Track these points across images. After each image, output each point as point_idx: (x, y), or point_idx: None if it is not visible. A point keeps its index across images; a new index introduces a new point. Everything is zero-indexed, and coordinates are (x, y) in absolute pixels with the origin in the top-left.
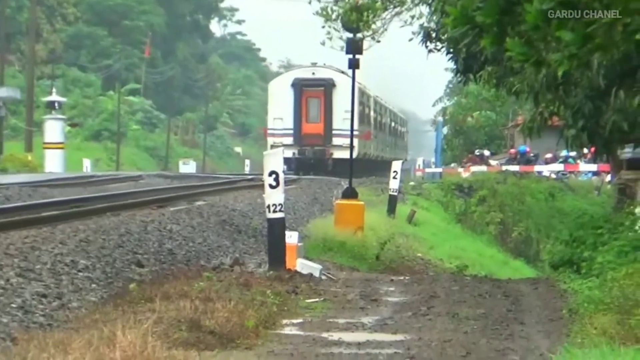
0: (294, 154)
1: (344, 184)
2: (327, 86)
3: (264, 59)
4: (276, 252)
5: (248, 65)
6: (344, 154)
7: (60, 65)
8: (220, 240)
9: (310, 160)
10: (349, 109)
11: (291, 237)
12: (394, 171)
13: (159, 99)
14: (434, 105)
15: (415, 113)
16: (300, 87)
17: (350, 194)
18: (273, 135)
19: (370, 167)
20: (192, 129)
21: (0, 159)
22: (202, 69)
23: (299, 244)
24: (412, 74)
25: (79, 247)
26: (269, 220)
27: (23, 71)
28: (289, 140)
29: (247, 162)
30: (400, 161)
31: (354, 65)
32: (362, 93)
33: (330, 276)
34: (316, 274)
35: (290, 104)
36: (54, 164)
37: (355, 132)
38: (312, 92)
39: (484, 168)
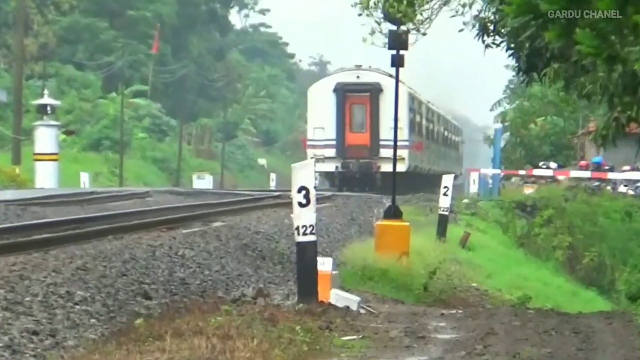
0: (336, 167)
1: (386, 201)
2: (374, 91)
3: (292, 55)
4: (307, 281)
5: (273, 63)
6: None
7: (53, 63)
8: (241, 268)
9: (355, 175)
10: (399, 116)
11: (324, 264)
12: (445, 187)
13: (170, 102)
14: (491, 109)
15: (469, 118)
16: (344, 93)
17: (393, 213)
18: (313, 147)
19: (421, 182)
20: (209, 138)
21: None
22: (219, 67)
23: (334, 272)
24: (465, 73)
25: (76, 276)
26: (299, 244)
27: (10, 70)
28: (331, 152)
29: (273, 176)
30: (452, 175)
31: (397, 62)
32: (413, 99)
33: (370, 309)
34: (353, 307)
35: (332, 111)
36: (46, 178)
37: (405, 143)
38: (356, 97)
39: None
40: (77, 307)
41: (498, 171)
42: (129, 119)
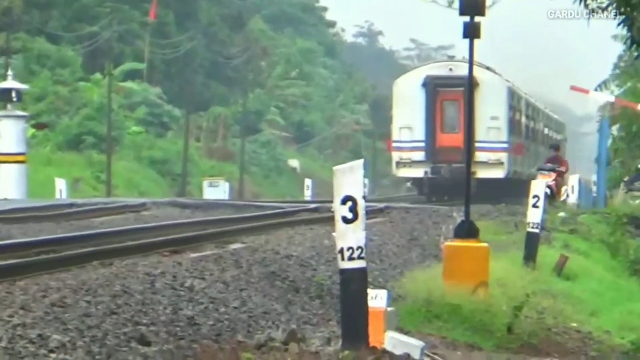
0: (425, 173)
1: (456, 215)
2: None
3: (332, 24)
4: (353, 321)
5: (308, 33)
6: (491, 173)
7: (18, 35)
8: (267, 304)
9: (447, 181)
10: (496, 114)
11: (377, 299)
12: (535, 196)
13: (172, 85)
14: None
15: (566, 106)
16: (434, 88)
17: (467, 231)
18: (400, 149)
19: (521, 189)
20: (224, 132)
21: None
22: (237, 39)
23: (389, 309)
24: (560, 48)
25: (51, 315)
26: (343, 272)
27: None
28: (420, 155)
29: (308, 182)
30: (544, 181)
31: (471, 31)
32: (512, 94)
33: (438, 358)
34: (415, 354)
35: (421, 109)
36: (10, 186)
37: (504, 145)
38: (449, 93)
39: None
40: (53, 355)
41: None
42: (118, 107)
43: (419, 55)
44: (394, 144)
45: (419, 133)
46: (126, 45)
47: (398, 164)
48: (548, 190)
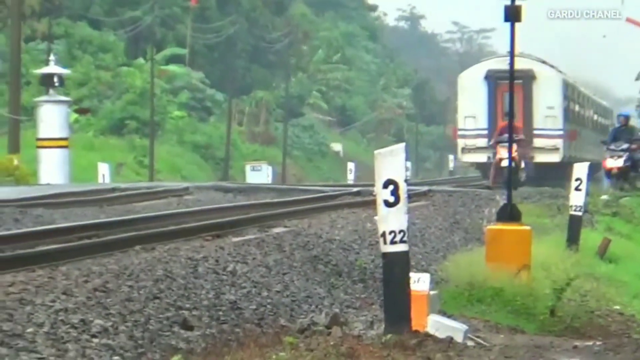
0: (488, 158)
1: (499, 198)
2: (526, 78)
3: (374, 8)
4: (396, 304)
5: (350, 18)
6: (548, 157)
7: (61, 20)
8: (310, 288)
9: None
10: (552, 104)
11: (420, 282)
12: (577, 179)
13: (214, 70)
14: (638, 78)
15: (608, 89)
16: (495, 80)
17: (509, 214)
18: (464, 137)
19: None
20: (266, 117)
21: None
22: (279, 23)
23: (432, 293)
24: (599, 28)
25: (93, 300)
26: (386, 255)
27: (4, 29)
28: (483, 142)
29: (351, 166)
30: (587, 164)
31: (512, 14)
32: (567, 85)
33: (480, 341)
34: (459, 337)
35: (483, 99)
36: (52, 170)
37: (559, 132)
38: (508, 85)
39: None
40: (95, 340)
41: None
42: (161, 92)
43: (460, 39)
44: (459, 132)
45: (482, 121)
46: (168, 30)
47: (463, 149)
48: (512, 164)
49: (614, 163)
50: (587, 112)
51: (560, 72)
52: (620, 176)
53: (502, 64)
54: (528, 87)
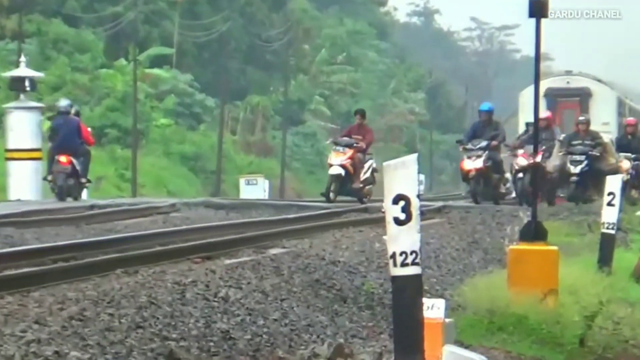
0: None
1: (522, 215)
2: (583, 96)
3: (383, 2)
4: (407, 333)
5: (356, 13)
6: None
7: (33, 16)
8: (311, 315)
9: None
10: (607, 120)
11: (434, 308)
12: (610, 193)
13: (205, 72)
14: None
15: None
16: (554, 98)
17: (534, 233)
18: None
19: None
20: (263, 124)
21: None
22: (277, 20)
23: (448, 320)
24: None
25: (69, 330)
26: (396, 279)
27: None
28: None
29: None
30: (620, 176)
31: (538, 10)
32: (620, 102)
33: None
34: None
35: (543, 116)
36: (23, 185)
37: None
38: (567, 102)
39: None
40: None
41: None
42: (145, 97)
43: (480, 36)
44: None
45: None
46: (153, 27)
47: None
48: (342, 172)
49: (471, 164)
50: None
51: (613, 89)
52: (478, 180)
53: (561, 83)
54: (585, 104)
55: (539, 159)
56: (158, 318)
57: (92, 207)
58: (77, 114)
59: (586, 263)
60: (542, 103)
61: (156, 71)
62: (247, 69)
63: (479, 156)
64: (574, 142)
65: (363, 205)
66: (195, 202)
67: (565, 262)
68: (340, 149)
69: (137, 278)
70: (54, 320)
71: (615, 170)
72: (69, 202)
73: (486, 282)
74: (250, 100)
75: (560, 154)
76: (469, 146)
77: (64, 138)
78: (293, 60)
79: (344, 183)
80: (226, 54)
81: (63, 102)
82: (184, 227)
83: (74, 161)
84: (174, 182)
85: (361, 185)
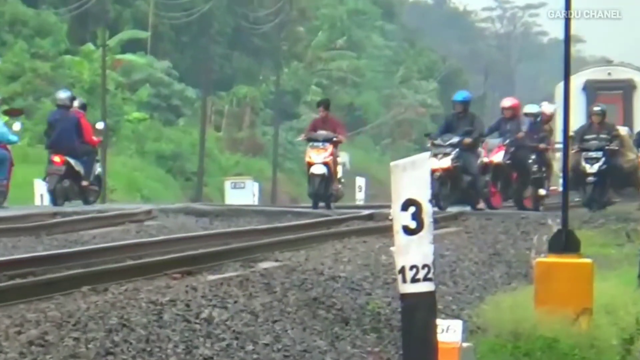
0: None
1: (552, 222)
2: (626, 88)
3: None
4: (419, 359)
5: None
6: None
7: None
8: (307, 339)
9: None
10: None
11: (449, 331)
12: None
13: (184, 59)
14: None
15: None
16: (594, 91)
17: (565, 243)
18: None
19: None
20: (251, 119)
21: None
22: None
23: (465, 345)
24: None
25: (28, 357)
26: (405, 297)
27: None
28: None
29: (361, 181)
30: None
31: None
32: None
33: None
34: None
35: (582, 111)
36: None
37: None
38: (608, 96)
39: None
40: None
41: None
42: (115, 87)
43: (501, 17)
44: (556, 145)
45: None
46: (124, 7)
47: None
48: (326, 171)
49: (438, 163)
50: None
51: None
52: (445, 180)
53: (601, 74)
54: (628, 96)
55: (500, 156)
56: (131, 343)
57: (54, 214)
58: (83, 107)
59: (625, 278)
60: (581, 97)
61: (128, 57)
62: (232, 55)
63: (446, 154)
64: (588, 137)
65: (367, 213)
66: (173, 208)
67: (600, 277)
68: (320, 144)
69: (106, 297)
70: (11, 346)
71: (636, 167)
72: (29, 209)
73: (510, 301)
74: (237, 91)
75: (573, 151)
76: (438, 141)
77: (59, 135)
78: (286, 45)
79: (328, 184)
80: (208, 38)
81: (62, 94)
82: (161, 237)
83: (71, 161)
84: (149, 186)
85: (339, 186)
